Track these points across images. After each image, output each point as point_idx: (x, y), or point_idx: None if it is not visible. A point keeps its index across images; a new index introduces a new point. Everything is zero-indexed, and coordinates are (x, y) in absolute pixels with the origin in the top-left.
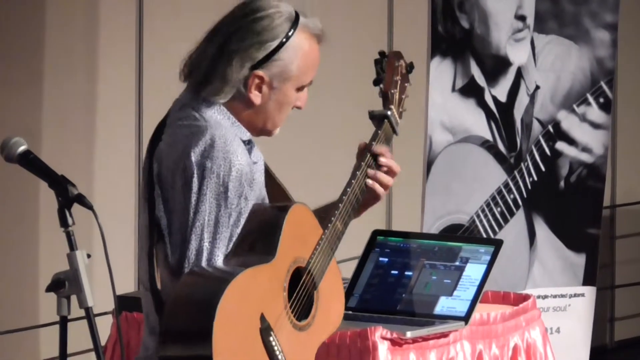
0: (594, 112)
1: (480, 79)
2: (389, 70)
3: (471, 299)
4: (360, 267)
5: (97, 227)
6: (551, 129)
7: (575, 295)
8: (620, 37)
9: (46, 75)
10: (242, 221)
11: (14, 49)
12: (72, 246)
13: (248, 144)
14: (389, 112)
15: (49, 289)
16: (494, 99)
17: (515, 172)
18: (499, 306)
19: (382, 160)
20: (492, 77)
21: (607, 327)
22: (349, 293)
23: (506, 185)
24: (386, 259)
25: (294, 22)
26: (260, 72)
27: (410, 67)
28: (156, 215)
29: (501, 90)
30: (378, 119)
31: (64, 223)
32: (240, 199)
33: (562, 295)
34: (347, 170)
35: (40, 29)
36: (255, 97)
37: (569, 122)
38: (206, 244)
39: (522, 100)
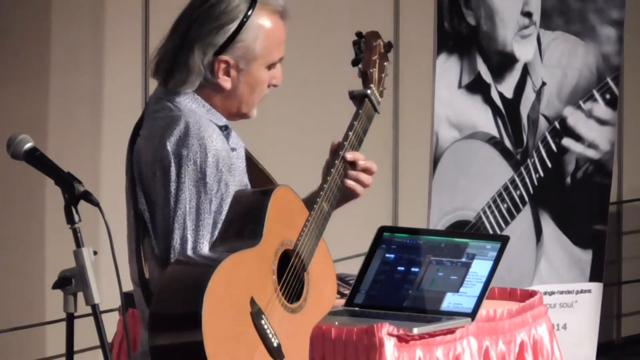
0: (600, 108)
1: (487, 76)
2: (367, 50)
3: (478, 295)
4: (367, 264)
5: (103, 224)
6: (557, 125)
7: (582, 291)
8: (626, 33)
9: (52, 72)
10: (225, 207)
11: (20, 47)
12: (78, 243)
13: (225, 129)
14: (369, 91)
15: (56, 286)
16: (501, 95)
17: (522, 169)
18: (506, 302)
19: (361, 163)
20: (499, 73)
21: (614, 323)
22: (355, 289)
23: (512, 181)
24: (393, 256)
25: (252, 2)
26: (224, 57)
27: (388, 46)
28: (139, 209)
29: (507, 87)
30: (358, 98)
31: (70, 220)
32: (219, 184)
33: (569, 292)
34: None
35: (46, 26)
36: (225, 81)
37: (575, 119)
38: (190, 232)
39: (528, 97)
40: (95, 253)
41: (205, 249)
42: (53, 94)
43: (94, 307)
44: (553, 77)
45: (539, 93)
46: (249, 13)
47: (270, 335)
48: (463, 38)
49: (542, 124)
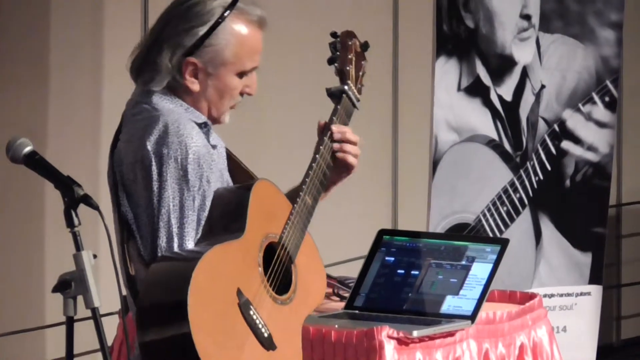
0: (600, 111)
1: (486, 79)
2: (343, 49)
3: (477, 298)
4: (367, 267)
5: (103, 227)
6: (557, 128)
7: (582, 294)
8: (626, 36)
9: (52, 75)
10: (207, 204)
11: (19, 49)
12: (78, 246)
13: (204, 127)
14: (345, 87)
15: (56, 289)
16: (500, 98)
17: (521, 171)
18: (505, 305)
19: (348, 136)
20: (498, 76)
21: (614, 325)
22: (355, 292)
23: (512, 184)
24: (392, 259)
25: (228, 7)
26: (192, 59)
27: (364, 46)
28: (122, 212)
29: (507, 90)
30: (336, 95)
31: (70, 223)
32: (201, 181)
33: (569, 294)
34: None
35: (45, 28)
36: (192, 83)
37: (574, 121)
38: (175, 230)
39: (527, 100)
40: (95, 256)
41: (190, 245)
42: (52, 97)
43: (94, 310)
44: (552, 79)
45: (538, 96)
46: (221, 19)
47: (260, 326)
48: (462, 41)
49: (542, 126)
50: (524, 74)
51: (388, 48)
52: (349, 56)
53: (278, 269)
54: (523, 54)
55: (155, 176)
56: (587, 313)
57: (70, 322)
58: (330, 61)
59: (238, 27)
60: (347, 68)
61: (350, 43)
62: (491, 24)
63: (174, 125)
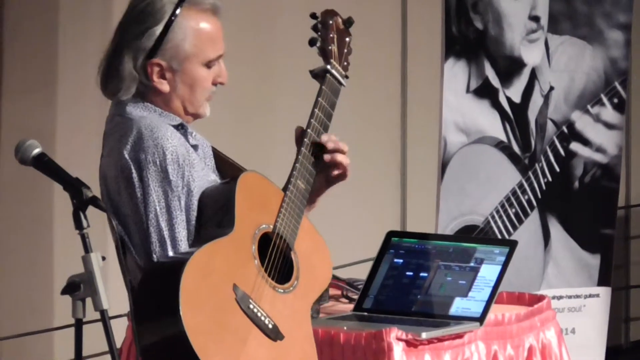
0: (608, 113)
1: (495, 80)
2: (324, 29)
3: (486, 299)
4: (375, 269)
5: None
6: (565, 130)
7: (590, 295)
8: (634, 37)
9: (60, 77)
10: (195, 202)
11: (27, 52)
12: (86, 248)
13: (181, 128)
14: (328, 66)
15: (64, 291)
16: (508, 99)
17: (530, 173)
18: (514, 307)
19: (330, 145)
20: (506, 78)
21: (622, 327)
22: (363, 294)
23: (520, 186)
24: (401, 260)
25: (179, 2)
26: (156, 60)
27: (348, 22)
28: (115, 228)
29: (515, 91)
30: (320, 75)
31: (78, 225)
32: (183, 179)
33: (577, 296)
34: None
35: (53, 31)
36: (161, 84)
37: (583, 123)
38: (166, 233)
39: (536, 101)
40: (103, 258)
41: (184, 246)
42: (60, 99)
43: (103, 312)
44: (561, 81)
45: (546, 97)
46: (175, 13)
47: (263, 318)
48: (471, 42)
49: (550, 128)
50: (533, 75)
51: (397, 50)
52: (330, 35)
53: (276, 259)
54: (532, 55)
55: (137, 183)
56: (596, 315)
57: (79, 325)
58: (311, 42)
59: (192, 19)
60: (330, 47)
61: (331, 22)
62: (500, 25)
63: (148, 130)
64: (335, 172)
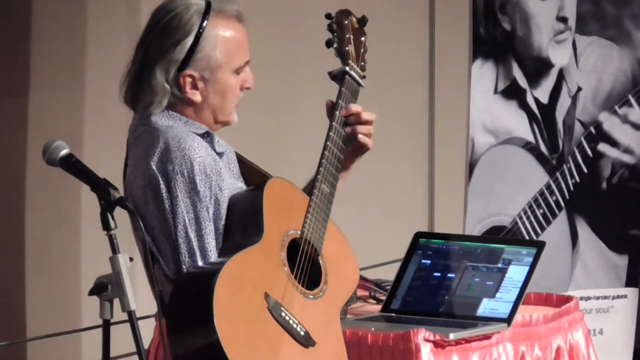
0: (636, 113)
1: (522, 81)
2: (339, 29)
3: (514, 300)
4: (403, 269)
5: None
6: (593, 131)
7: (618, 296)
8: None
9: (88, 78)
10: (223, 211)
11: (55, 52)
12: (114, 249)
13: (207, 136)
14: (347, 68)
15: (92, 292)
16: (536, 100)
17: (558, 174)
18: (542, 308)
19: (364, 116)
20: (534, 78)
21: None
22: (391, 295)
23: (548, 186)
24: (429, 261)
25: (205, 12)
26: (188, 71)
27: (362, 21)
28: (141, 237)
29: (543, 92)
30: (339, 76)
31: (106, 226)
32: (211, 189)
33: (605, 297)
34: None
35: (82, 31)
36: (194, 95)
37: (610, 124)
38: (195, 243)
39: (564, 102)
40: (131, 259)
41: (214, 256)
42: (88, 99)
43: (130, 313)
44: (588, 82)
45: (574, 98)
46: (204, 24)
47: (295, 325)
48: (498, 43)
49: (578, 129)
50: (560, 76)
51: (424, 51)
52: (347, 35)
53: (305, 265)
54: (559, 56)
55: (165, 194)
56: (624, 316)
57: (106, 325)
58: (328, 44)
59: (219, 27)
60: (347, 48)
61: (346, 22)
62: (527, 26)
63: (175, 141)
64: (354, 147)
